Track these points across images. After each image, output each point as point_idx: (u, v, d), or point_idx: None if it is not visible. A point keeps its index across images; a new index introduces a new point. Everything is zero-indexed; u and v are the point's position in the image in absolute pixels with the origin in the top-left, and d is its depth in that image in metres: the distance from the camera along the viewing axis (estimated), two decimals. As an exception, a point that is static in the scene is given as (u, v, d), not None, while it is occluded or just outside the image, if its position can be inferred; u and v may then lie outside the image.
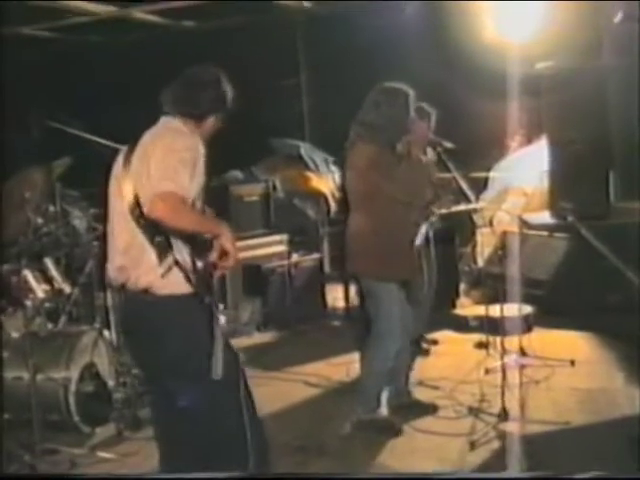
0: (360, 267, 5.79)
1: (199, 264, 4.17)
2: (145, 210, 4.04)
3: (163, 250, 4.07)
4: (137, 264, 4.18)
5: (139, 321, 4.32)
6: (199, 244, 4.19)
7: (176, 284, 4.13)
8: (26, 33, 10.94)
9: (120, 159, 4.35)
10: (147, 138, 4.28)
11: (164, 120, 4.37)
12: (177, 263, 4.10)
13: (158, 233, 4.06)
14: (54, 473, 4.54)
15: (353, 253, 5.79)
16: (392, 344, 5.70)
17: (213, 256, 4.17)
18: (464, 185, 7.03)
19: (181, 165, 4.06)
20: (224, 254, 4.17)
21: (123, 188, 4.23)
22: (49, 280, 6.29)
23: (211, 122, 4.41)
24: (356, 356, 6.51)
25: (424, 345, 7.40)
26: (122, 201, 4.23)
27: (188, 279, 4.13)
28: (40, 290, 6.19)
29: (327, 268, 9.41)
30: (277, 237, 9.10)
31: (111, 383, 6.20)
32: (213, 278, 4.26)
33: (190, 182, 4.07)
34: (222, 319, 4.26)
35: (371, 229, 5.66)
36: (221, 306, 4.24)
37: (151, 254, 4.10)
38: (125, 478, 5.56)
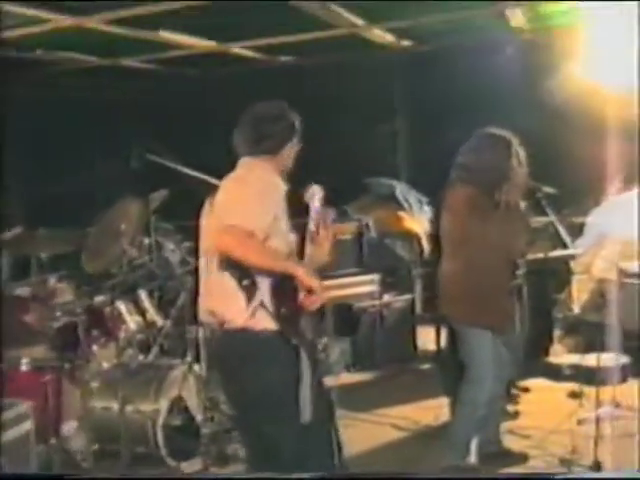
0: (453, 312, 5.73)
1: (283, 305, 4.17)
2: (213, 243, 4.10)
3: (250, 292, 4.08)
4: (228, 306, 4.21)
5: (233, 357, 4.34)
6: (285, 284, 4.18)
7: (265, 320, 4.16)
8: (126, 65, 11.12)
9: (207, 205, 4.43)
10: (226, 179, 4.35)
11: (241, 161, 4.42)
12: (262, 304, 4.11)
13: (245, 276, 4.08)
14: (55, 473, 4.53)
15: (447, 297, 5.74)
16: (484, 391, 5.61)
17: (300, 296, 4.18)
18: (561, 230, 6.93)
19: (251, 198, 4.11)
20: (310, 292, 4.17)
21: (206, 230, 4.30)
22: (142, 312, 6.37)
23: (287, 152, 4.45)
24: (445, 400, 6.42)
25: (514, 392, 7.27)
26: (206, 243, 4.30)
27: (273, 318, 4.15)
28: (132, 322, 6.27)
29: (419, 310, 9.33)
30: (369, 277, 9.03)
31: (199, 417, 6.20)
32: (299, 319, 4.27)
33: (262, 215, 4.09)
34: (320, 358, 4.26)
35: (465, 273, 5.61)
36: (319, 346, 4.25)
37: (240, 297, 4.13)
38: (126, 478, 5.56)
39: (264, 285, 4.14)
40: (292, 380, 4.20)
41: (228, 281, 4.14)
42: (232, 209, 4.07)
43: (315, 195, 4.43)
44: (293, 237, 4.35)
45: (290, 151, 4.46)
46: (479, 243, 5.52)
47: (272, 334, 4.17)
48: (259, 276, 4.12)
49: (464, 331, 5.68)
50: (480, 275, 5.56)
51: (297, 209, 4.37)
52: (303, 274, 4.13)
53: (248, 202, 4.08)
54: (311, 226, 4.40)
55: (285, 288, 4.17)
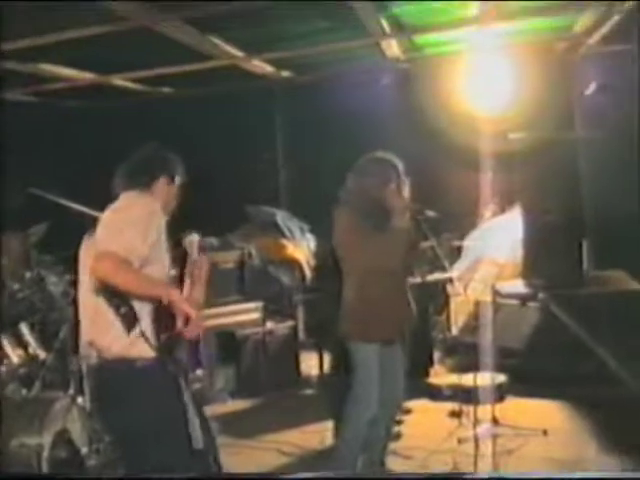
0: (343, 329, 5.78)
1: (162, 333, 4.22)
2: (91, 270, 4.12)
3: (129, 320, 4.12)
4: (105, 334, 4.23)
5: (112, 386, 4.34)
6: (163, 312, 4.22)
7: (144, 349, 4.20)
8: (8, 98, 10.99)
9: (87, 235, 4.45)
10: (106, 210, 4.39)
11: (121, 195, 4.47)
12: (142, 332, 4.15)
13: (122, 303, 4.11)
14: (54, 473, 4.50)
15: (343, 315, 5.78)
16: (366, 410, 5.65)
17: (179, 323, 4.23)
18: (441, 254, 7.08)
19: (126, 225, 4.14)
20: (187, 320, 4.21)
21: (86, 260, 4.31)
22: (24, 345, 6.30)
23: (161, 187, 4.51)
24: (330, 424, 6.51)
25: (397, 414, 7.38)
26: (85, 273, 4.31)
27: (152, 347, 4.18)
28: (15, 355, 6.19)
29: (302, 336, 9.41)
30: (252, 304, 9.09)
31: (84, 450, 6.16)
32: (177, 345, 4.32)
33: (139, 242, 4.12)
34: (195, 386, 4.29)
35: (352, 292, 5.69)
36: (198, 372, 4.29)
37: (117, 323, 4.15)
38: (125, 478, 5.52)
39: (143, 312, 4.18)
40: (171, 407, 4.24)
41: (105, 310, 4.16)
42: (109, 237, 4.10)
43: (193, 243, 4.53)
44: (172, 269, 4.39)
45: (165, 187, 4.52)
46: (365, 264, 5.64)
47: (149, 362, 4.20)
48: (137, 303, 4.15)
49: (351, 349, 5.73)
50: (365, 292, 5.64)
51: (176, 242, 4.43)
52: (180, 300, 4.17)
53: (125, 230, 4.11)
54: (189, 269, 4.48)
55: (163, 315, 4.21)
